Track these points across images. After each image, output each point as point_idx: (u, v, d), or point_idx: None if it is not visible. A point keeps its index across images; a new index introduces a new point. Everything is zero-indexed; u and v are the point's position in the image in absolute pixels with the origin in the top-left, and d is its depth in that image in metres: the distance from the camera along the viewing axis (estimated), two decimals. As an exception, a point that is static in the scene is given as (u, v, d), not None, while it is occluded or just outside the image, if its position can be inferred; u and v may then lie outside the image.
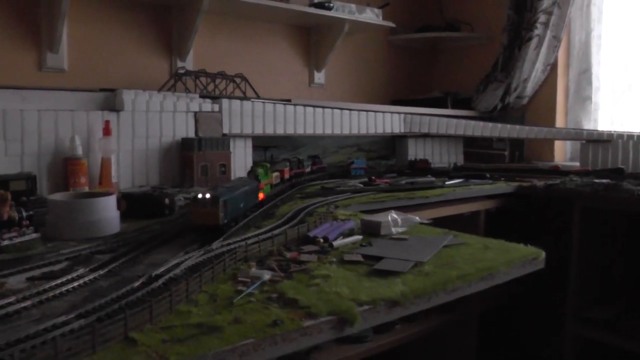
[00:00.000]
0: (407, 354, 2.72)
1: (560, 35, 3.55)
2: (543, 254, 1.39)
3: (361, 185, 2.45)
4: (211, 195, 1.35)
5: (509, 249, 1.40)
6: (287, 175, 2.27)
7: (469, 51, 4.08)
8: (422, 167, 3.14)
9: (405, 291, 1.05)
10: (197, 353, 0.77)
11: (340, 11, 3.22)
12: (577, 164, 3.40)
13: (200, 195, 1.35)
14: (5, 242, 1.24)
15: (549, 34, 3.51)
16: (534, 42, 3.51)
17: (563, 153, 3.78)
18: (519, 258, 1.33)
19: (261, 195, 1.81)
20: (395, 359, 2.67)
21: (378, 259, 1.25)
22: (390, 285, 1.08)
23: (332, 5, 3.17)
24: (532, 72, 3.59)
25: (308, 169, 2.58)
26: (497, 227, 2.51)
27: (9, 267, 1.14)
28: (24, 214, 1.29)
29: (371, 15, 3.36)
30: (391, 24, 3.50)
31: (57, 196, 1.48)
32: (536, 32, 3.49)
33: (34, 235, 1.31)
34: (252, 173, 1.85)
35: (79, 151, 2.00)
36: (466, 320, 2.60)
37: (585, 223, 2.60)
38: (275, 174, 2.09)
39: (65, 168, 1.99)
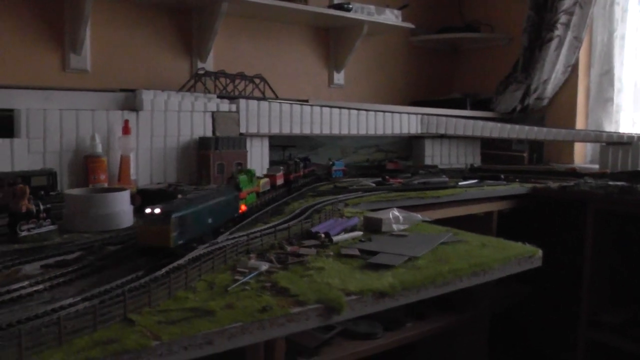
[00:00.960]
0: (417, 352, 2.76)
1: (581, 36, 3.54)
2: (540, 252, 1.43)
3: (373, 185, 2.50)
4: (162, 210, 1.13)
5: (505, 246, 1.44)
6: (279, 181, 2.05)
7: (489, 52, 4.10)
8: (392, 169, 3.07)
9: (394, 283, 1.11)
10: (188, 334, 0.84)
11: (360, 12, 3.26)
12: (597, 166, 3.39)
13: (148, 210, 1.13)
14: (24, 233, 1.33)
15: (569, 34, 3.51)
16: (554, 43, 3.51)
17: (583, 155, 3.77)
18: (515, 256, 1.37)
19: (243, 207, 1.60)
20: (405, 356, 2.71)
21: (374, 253, 1.31)
22: (380, 277, 1.14)
23: (351, 6, 3.21)
24: (552, 73, 3.59)
25: (301, 172, 2.39)
26: (510, 228, 2.54)
27: (25, 255, 1.23)
28: (42, 207, 1.37)
29: (390, 17, 3.40)
30: (411, 25, 3.53)
31: (74, 191, 1.56)
32: (557, 32, 3.49)
33: (51, 227, 1.39)
34: (232, 180, 1.62)
35: (99, 149, 2.09)
36: (477, 321, 2.62)
37: (599, 226, 2.61)
38: (264, 180, 1.89)
39: (85, 165, 2.08)
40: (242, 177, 1.64)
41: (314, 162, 3.05)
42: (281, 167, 2.12)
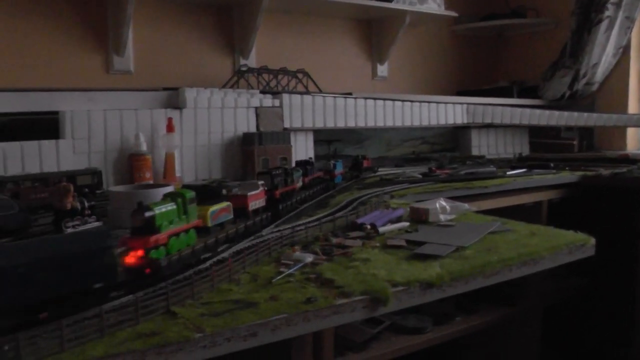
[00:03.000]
0: (466, 347, 2.71)
1: (634, 15, 3.41)
2: (592, 241, 1.37)
3: (420, 176, 2.46)
4: None
5: (556, 235, 1.39)
6: (255, 204, 1.46)
7: (536, 38, 3.99)
8: (366, 167, 2.63)
9: (441, 274, 1.08)
10: (231, 325, 0.83)
11: (401, 3, 3.21)
12: (652, 152, 3.28)
13: None
14: (69, 230, 1.34)
15: (621, 14, 3.38)
16: (604, 25, 3.39)
17: (636, 141, 3.65)
18: (566, 244, 1.32)
19: (147, 268, 0.98)
20: (455, 351, 2.66)
21: (421, 244, 1.28)
22: (427, 268, 1.11)
23: (392, -4, 3.18)
24: (602, 57, 3.48)
25: (299, 183, 1.84)
26: (561, 218, 2.46)
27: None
28: (86, 204, 1.38)
29: (433, 6, 3.35)
30: (454, 14, 3.47)
31: (118, 188, 1.57)
32: (607, 13, 3.36)
33: (96, 224, 1.40)
34: (139, 214, 1.01)
35: (143, 147, 2.11)
36: (530, 315, 2.55)
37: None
38: (219, 207, 1.31)
39: (130, 164, 2.10)
40: (163, 209, 1.06)
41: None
42: (260, 182, 1.54)
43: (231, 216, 1.35)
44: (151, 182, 2.09)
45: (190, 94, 2.32)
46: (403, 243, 1.29)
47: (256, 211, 1.47)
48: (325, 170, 2.14)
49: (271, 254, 1.19)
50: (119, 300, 0.88)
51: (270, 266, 1.12)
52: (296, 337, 0.95)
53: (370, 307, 0.97)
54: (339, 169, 2.19)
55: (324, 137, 2.90)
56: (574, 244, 1.34)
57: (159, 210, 1.03)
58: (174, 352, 0.77)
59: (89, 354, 0.74)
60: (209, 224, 1.25)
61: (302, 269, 1.09)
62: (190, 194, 1.17)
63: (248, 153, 2.41)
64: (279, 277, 1.03)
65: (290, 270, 1.07)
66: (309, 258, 1.15)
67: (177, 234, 1.08)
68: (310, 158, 2.14)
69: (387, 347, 2.13)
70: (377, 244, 1.29)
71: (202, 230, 1.22)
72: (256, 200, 1.47)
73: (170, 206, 1.08)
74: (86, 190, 1.49)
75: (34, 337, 0.76)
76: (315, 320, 0.91)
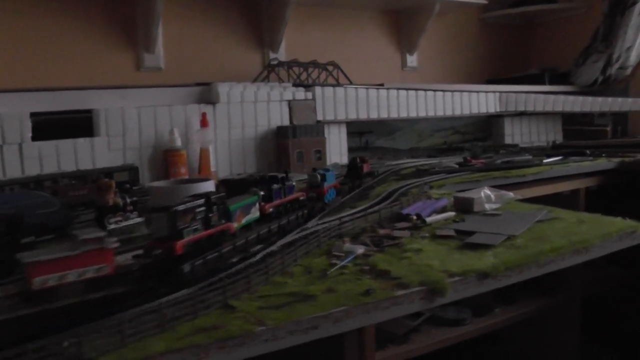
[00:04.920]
0: (506, 338, 2.67)
1: (669, -4, 3.34)
2: (642, 227, 1.34)
3: (456, 166, 2.43)
4: None
5: (605, 222, 1.36)
6: (57, 277, 0.87)
7: (566, 23, 3.93)
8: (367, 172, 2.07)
9: (496, 263, 1.06)
10: (292, 318, 0.81)
11: (430, -8, 3.18)
12: (689, 136, 3.21)
13: None
14: (112, 226, 1.33)
15: (656, -6, 3.32)
16: (638, 6, 3.32)
17: (673, 125, 3.57)
18: (616, 232, 1.29)
19: None
20: (494, 342, 2.62)
21: (470, 233, 1.26)
22: (481, 257, 1.09)
23: (421, -14, 3.14)
24: (636, 40, 3.41)
25: (248, 218, 1.22)
26: (599, 205, 2.41)
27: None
28: (128, 200, 1.38)
29: (461, -6, 3.31)
30: (483, 1, 3.43)
31: (158, 183, 1.57)
32: (642, -6, 3.31)
33: (138, 219, 1.39)
34: None
35: (178, 143, 2.10)
36: (568, 305, 2.51)
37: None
38: None
39: (165, 159, 2.10)
40: None
41: (391, 148, 3.02)
42: (111, 240, 0.96)
43: None
44: (186, 177, 2.09)
45: (223, 88, 2.31)
46: (452, 233, 1.27)
47: (95, 283, 0.91)
48: (310, 186, 1.57)
49: (321, 246, 1.18)
50: (174, 295, 0.87)
51: (321, 258, 1.10)
52: (350, 330, 0.93)
53: (427, 298, 0.95)
54: (330, 182, 1.62)
55: (355, 129, 2.88)
56: (623, 231, 1.31)
57: None
58: (236, 346, 0.76)
59: (151, 350, 0.73)
60: None
61: (354, 261, 1.08)
62: None
63: (282, 146, 2.40)
64: (333, 269, 1.02)
65: (344, 262, 1.06)
66: (360, 249, 1.13)
67: None
68: (286, 172, 1.47)
69: (428, 339, 2.10)
70: (426, 234, 1.27)
71: None
72: (64, 270, 0.87)
73: None
74: (127, 185, 1.48)
75: (94, 332, 0.75)
76: (375, 312, 0.89)
